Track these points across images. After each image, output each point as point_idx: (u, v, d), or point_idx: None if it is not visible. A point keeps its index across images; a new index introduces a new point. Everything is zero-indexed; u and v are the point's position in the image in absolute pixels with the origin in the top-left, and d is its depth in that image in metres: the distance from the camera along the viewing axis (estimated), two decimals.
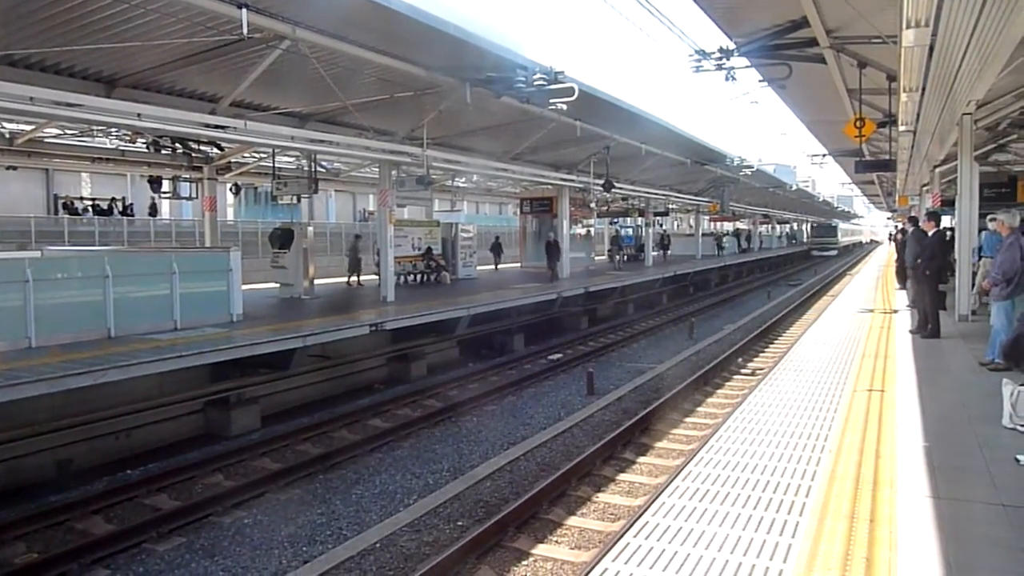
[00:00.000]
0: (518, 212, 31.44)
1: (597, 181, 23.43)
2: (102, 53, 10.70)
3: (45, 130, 14.58)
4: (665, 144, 23.01)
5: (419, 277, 21.99)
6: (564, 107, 14.40)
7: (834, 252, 70.70)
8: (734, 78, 12.47)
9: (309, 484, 8.91)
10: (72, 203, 27.68)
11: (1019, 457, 5.24)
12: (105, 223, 25.92)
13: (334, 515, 7.93)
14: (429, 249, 22.25)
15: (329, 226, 33.77)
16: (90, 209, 27.72)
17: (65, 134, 15.60)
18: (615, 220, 36.90)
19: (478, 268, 25.51)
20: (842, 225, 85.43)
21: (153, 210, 28.02)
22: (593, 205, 29.30)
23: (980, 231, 12.59)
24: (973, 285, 12.18)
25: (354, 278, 20.88)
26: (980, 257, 12.05)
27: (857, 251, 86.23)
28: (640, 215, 33.65)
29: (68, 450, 9.25)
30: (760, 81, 14.01)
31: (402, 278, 20.66)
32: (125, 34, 10.17)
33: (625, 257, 35.46)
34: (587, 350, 17.64)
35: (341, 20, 10.48)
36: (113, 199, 28.51)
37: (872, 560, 4.08)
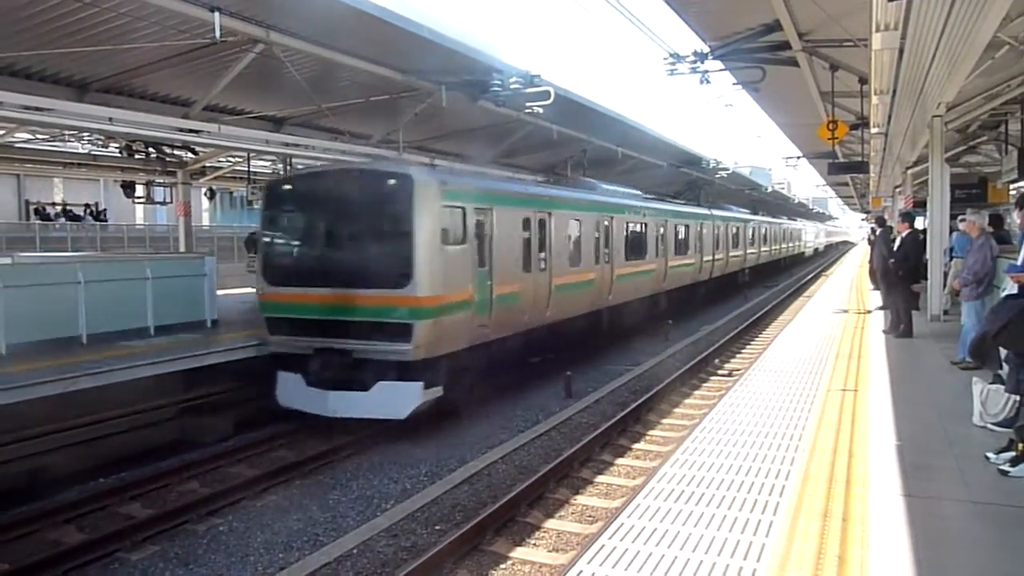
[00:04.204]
0: None
1: None
2: (73, 57, 10.56)
3: (15, 135, 14.38)
4: (642, 147, 23.12)
5: None
6: (540, 110, 14.46)
7: None
8: (708, 81, 12.59)
9: (285, 490, 8.82)
10: (44, 209, 27.35)
11: (989, 455, 5.30)
12: (78, 229, 25.61)
13: (311, 521, 7.86)
14: None
15: None
16: (62, 215, 27.39)
17: (36, 139, 15.41)
18: None
19: None
20: (678, 210, 23.98)
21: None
22: None
23: (951, 232, 12.77)
24: (945, 285, 12.35)
25: None
26: (951, 257, 12.22)
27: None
28: None
29: (40, 459, 9.08)
30: (734, 84, 14.14)
31: None
32: (96, 37, 10.04)
33: None
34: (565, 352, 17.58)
35: (316, 24, 10.42)
36: (87, 205, 28.19)
37: (845, 558, 4.12)
